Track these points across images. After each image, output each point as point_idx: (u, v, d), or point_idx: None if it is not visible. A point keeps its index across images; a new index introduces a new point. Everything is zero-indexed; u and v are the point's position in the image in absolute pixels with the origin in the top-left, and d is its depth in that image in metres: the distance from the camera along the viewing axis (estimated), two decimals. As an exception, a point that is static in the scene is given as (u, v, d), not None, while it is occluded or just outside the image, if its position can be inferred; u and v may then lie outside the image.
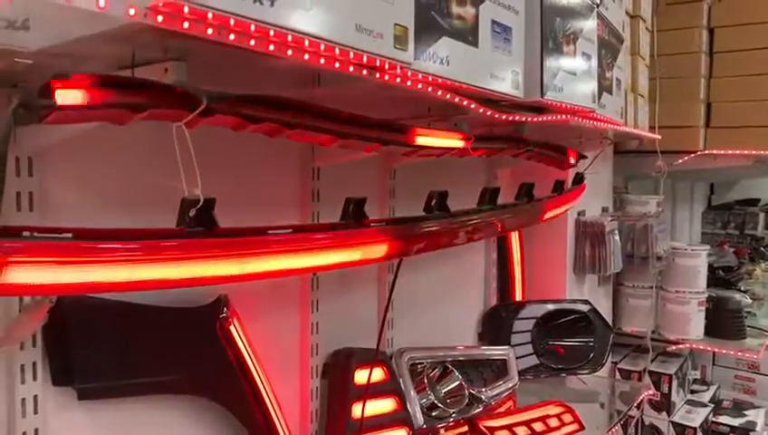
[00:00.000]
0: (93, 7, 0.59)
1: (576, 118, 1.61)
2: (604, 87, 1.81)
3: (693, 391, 3.22)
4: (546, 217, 1.76)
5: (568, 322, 2.24)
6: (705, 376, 3.44)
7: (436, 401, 1.66)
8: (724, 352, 2.99)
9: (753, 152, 2.84)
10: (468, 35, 1.09)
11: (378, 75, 0.92)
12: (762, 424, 2.98)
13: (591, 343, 2.23)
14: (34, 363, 0.99)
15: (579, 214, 2.48)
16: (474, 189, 1.49)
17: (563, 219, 2.35)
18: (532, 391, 2.05)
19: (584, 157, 2.06)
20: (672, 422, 2.91)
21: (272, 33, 0.72)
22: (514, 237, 2.29)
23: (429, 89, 1.05)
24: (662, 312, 2.99)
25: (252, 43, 0.73)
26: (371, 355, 1.47)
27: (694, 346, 2.97)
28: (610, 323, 2.53)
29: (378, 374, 1.53)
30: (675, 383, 2.94)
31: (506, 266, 2.30)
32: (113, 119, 0.75)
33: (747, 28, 2.85)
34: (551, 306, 2.24)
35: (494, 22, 1.16)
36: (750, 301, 3.26)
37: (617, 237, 2.52)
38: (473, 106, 1.19)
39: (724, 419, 3.03)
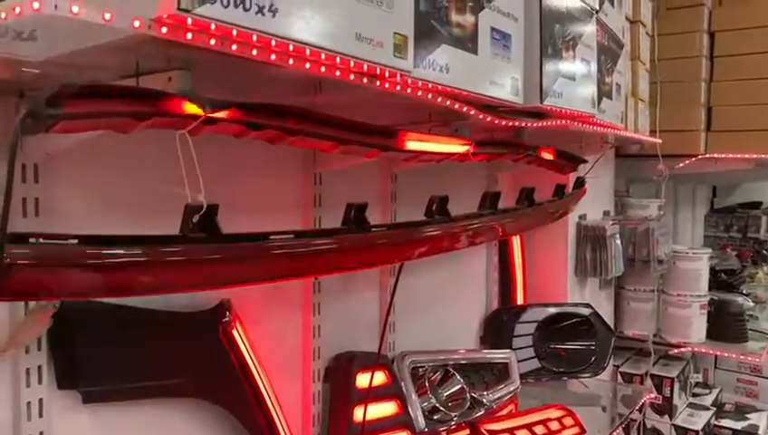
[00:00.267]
0: (99, 20, 0.61)
1: (576, 123, 1.62)
2: (604, 92, 1.82)
3: (695, 395, 3.21)
4: (546, 221, 1.77)
5: (569, 325, 2.24)
6: (707, 379, 3.44)
7: (437, 405, 1.66)
8: (726, 355, 2.99)
9: (754, 156, 2.85)
10: (468, 43, 1.11)
11: (378, 83, 0.93)
12: (764, 427, 2.98)
13: (593, 347, 2.23)
14: (40, 367, 1.00)
15: (580, 217, 2.49)
16: (475, 194, 1.50)
17: (564, 223, 2.36)
18: (533, 395, 2.06)
19: (584, 161, 2.07)
20: (674, 426, 2.91)
21: (273, 43, 0.74)
22: (516, 241, 2.30)
23: (429, 96, 1.06)
24: (664, 315, 2.99)
25: (254, 52, 0.75)
26: (373, 359, 1.48)
27: (696, 349, 2.97)
28: (612, 326, 2.54)
29: (379, 378, 1.54)
30: (677, 387, 2.94)
31: (508, 270, 2.31)
32: (118, 127, 0.76)
33: (747, 32, 2.86)
34: (552, 310, 2.24)
35: (493, 29, 1.18)
36: (752, 304, 3.26)
37: (618, 241, 2.53)
38: (472, 112, 1.20)
39: (726, 422, 3.03)
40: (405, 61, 0.93)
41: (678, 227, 4.25)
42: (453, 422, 1.68)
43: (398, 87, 0.97)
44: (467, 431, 1.69)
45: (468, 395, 1.74)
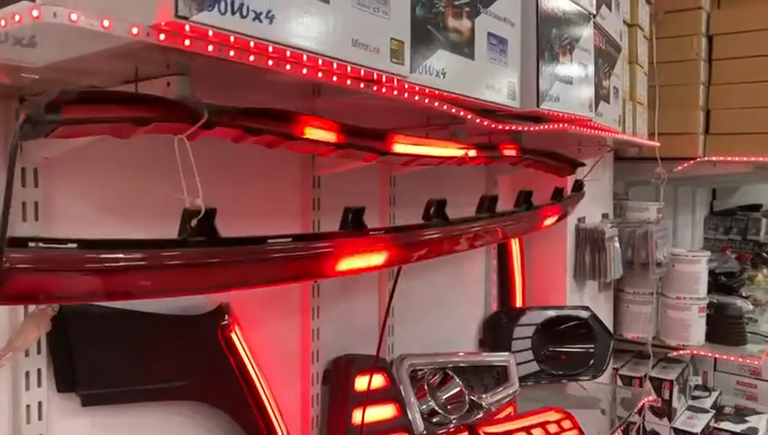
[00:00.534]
0: (98, 27, 0.62)
1: (573, 127, 1.63)
2: (601, 96, 1.83)
3: (694, 397, 3.21)
4: (544, 224, 1.77)
5: (568, 328, 2.25)
6: (706, 382, 3.44)
7: (436, 408, 1.67)
8: (725, 358, 2.99)
9: (753, 159, 2.85)
10: (464, 48, 1.11)
11: (375, 88, 0.94)
12: (764, 430, 2.97)
13: (592, 350, 2.23)
14: (39, 370, 1.00)
15: (579, 220, 2.49)
16: (474, 197, 1.50)
17: (563, 226, 2.37)
18: (532, 398, 2.06)
19: (582, 164, 2.07)
20: (673, 428, 2.91)
21: (270, 49, 0.75)
22: (515, 244, 2.31)
23: (426, 100, 1.07)
24: (663, 318, 2.99)
25: (251, 58, 0.75)
26: (372, 362, 1.48)
27: (695, 352, 2.97)
28: (611, 329, 2.54)
29: (378, 381, 1.55)
30: (676, 389, 2.94)
31: (507, 273, 2.32)
32: (117, 133, 0.77)
33: (746, 35, 2.87)
34: (551, 313, 2.25)
35: (490, 34, 1.19)
36: (751, 307, 3.26)
37: (617, 244, 2.53)
38: (469, 117, 1.21)
39: (725, 425, 3.03)
40: (402, 66, 0.94)
41: (678, 230, 4.26)
42: (451, 425, 1.68)
43: (395, 92, 0.98)
44: (466, 434, 1.70)
45: (467, 398, 1.74)
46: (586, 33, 1.58)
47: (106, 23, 0.62)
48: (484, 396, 1.82)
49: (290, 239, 0.96)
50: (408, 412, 1.59)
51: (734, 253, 4.03)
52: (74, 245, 0.73)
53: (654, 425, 2.95)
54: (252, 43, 0.73)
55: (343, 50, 0.84)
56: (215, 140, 0.87)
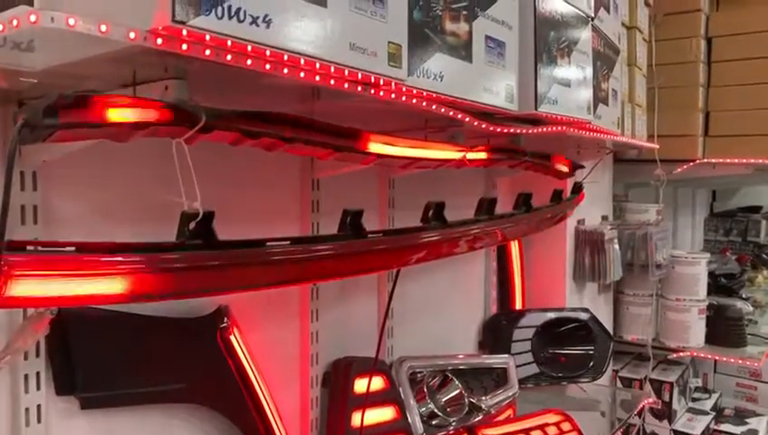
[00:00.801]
0: (96, 32, 0.62)
1: (571, 129, 1.63)
2: (600, 98, 1.83)
3: (694, 399, 3.21)
4: (542, 226, 1.78)
5: (568, 330, 2.25)
6: (706, 384, 3.44)
7: (435, 410, 1.67)
8: (725, 359, 2.99)
9: (752, 161, 2.86)
10: (462, 51, 1.12)
11: (373, 91, 0.94)
12: (764, 432, 2.97)
13: (592, 352, 2.23)
14: (38, 373, 1.01)
15: (578, 222, 2.49)
16: (473, 199, 1.51)
17: (563, 228, 2.37)
18: (532, 400, 2.06)
19: (581, 167, 2.08)
20: (673, 430, 2.91)
21: (268, 53, 0.75)
22: (514, 246, 2.31)
23: (424, 104, 1.07)
24: (662, 320, 2.99)
25: (249, 62, 0.76)
26: (371, 364, 1.48)
27: (695, 354, 2.97)
28: (611, 331, 2.54)
29: (377, 383, 1.55)
30: (676, 391, 2.94)
31: (506, 275, 2.32)
32: (115, 136, 0.77)
33: (745, 38, 2.87)
34: (551, 315, 2.25)
35: (487, 37, 1.19)
36: (751, 308, 3.25)
37: (616, 246, 2.53)
38: (467, 119, 1.21)
39: (725, 427, 3.02)
40: (399, 69, 0.94)
41: (678, 232, 4.26)
42: (451, 427, 1.68)
43: (393, 95, 0.98)
44: (465, 436, 1.70)
45: (466, 400, 1.74)
46: (584, 35, 1.59)
47: (103, 27, 0.62)
48: (483, 398, 1.82)
49: (288, 242, 0.97)
50: (408, 415, 1.59)
51: (734, 254, 4.03)
52: (73, 248, 0.74)
53: (654, 427, 2.95)
54: (249, 48, 0.73)
55: (341, 54, 0.84)
56: (213, 142, 0.87)
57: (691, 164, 2.91)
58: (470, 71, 1.15)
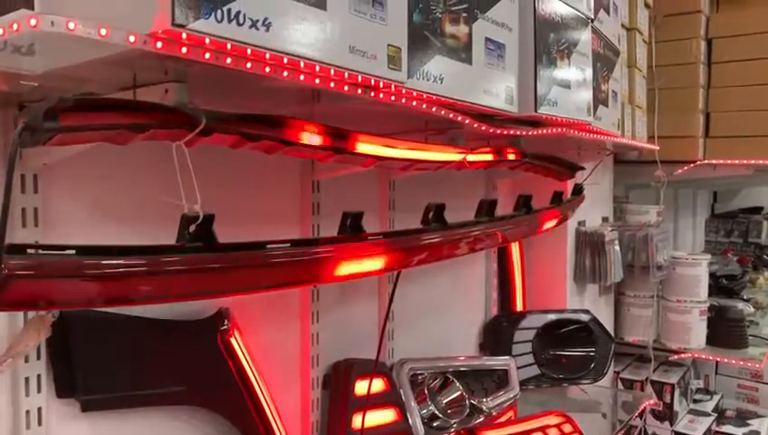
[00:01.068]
0: (95, 36, 0.62)
1: (572, 131, 1.63)
2: (600, 100, 1.83)
3: (696, 401, 3.21)
4: (543, 228, 1.77)
5: (569, 332, 2.25)
6: (708, 385, 3.43)
7: (436, 412, 1.67)
8: (726, 361, 2.98)
9: (753, 161, 2.85)
10: (462, 53, 1.12)
11: (373, 94, 0.95)
12: (765, 433, 2.97)
13: (593, 353, 2.23)
14: (39, 376, 1.01)
15: (579, 224, 2.49)
16: (473, 201, 1.51)
17: (563, 229, 2.37)
18: (533, 401, 2.06)
19: (582, 168, 2.08)
20: (675, 432, 2.90)
21: (267, 56, 0.75)
22: (515, 248, 2.31)
23: (424, 106, 1.07)
24: (663, 321, 2.99)
25: (248, 66, 0.76)
26: (372, 366, 1.48)
27: (696, 355, 2.97)
28: (612, 332, 2.54)
29: (378, 385, 1.55)
30: (677, 393, 2.93)
31: (507, 277, 2.32)
32: (115, 139, 0.77)
33: (745, 39, 2.87)
34: (552, 316, 2.25)
35: (487, 39, 1.19)
36: (753, 310, 3.25)
37: (617, 247, 2.53)
38: (467, 121, 1.22)
39: (727, 428, 3.02)
40: (399, 72, 0.94)
41: (679, 233, 4.26)
42: (452, 429, 1.68)
43: (393, 97, 0.99)
44: (466, 438, 1.70)
45: (467, 402, 1.74)
46: (584, 37, 1.59)
47: (103, 31, 0.62)
48: (484, 400, 1.82)
49: (288, 244, 0.97)
50: (409, 417, 1.59)
51: (735, 256, 4.03)
52: (73, 251, 0.74)
53: (655, 429, 2.94)
54: (249, 51, 0.73)
55: (341, 56, 0.84)
56: (213, 145, 0.88)
57: (692, 165, 2.90)
58: (470, 73, 1.15)
